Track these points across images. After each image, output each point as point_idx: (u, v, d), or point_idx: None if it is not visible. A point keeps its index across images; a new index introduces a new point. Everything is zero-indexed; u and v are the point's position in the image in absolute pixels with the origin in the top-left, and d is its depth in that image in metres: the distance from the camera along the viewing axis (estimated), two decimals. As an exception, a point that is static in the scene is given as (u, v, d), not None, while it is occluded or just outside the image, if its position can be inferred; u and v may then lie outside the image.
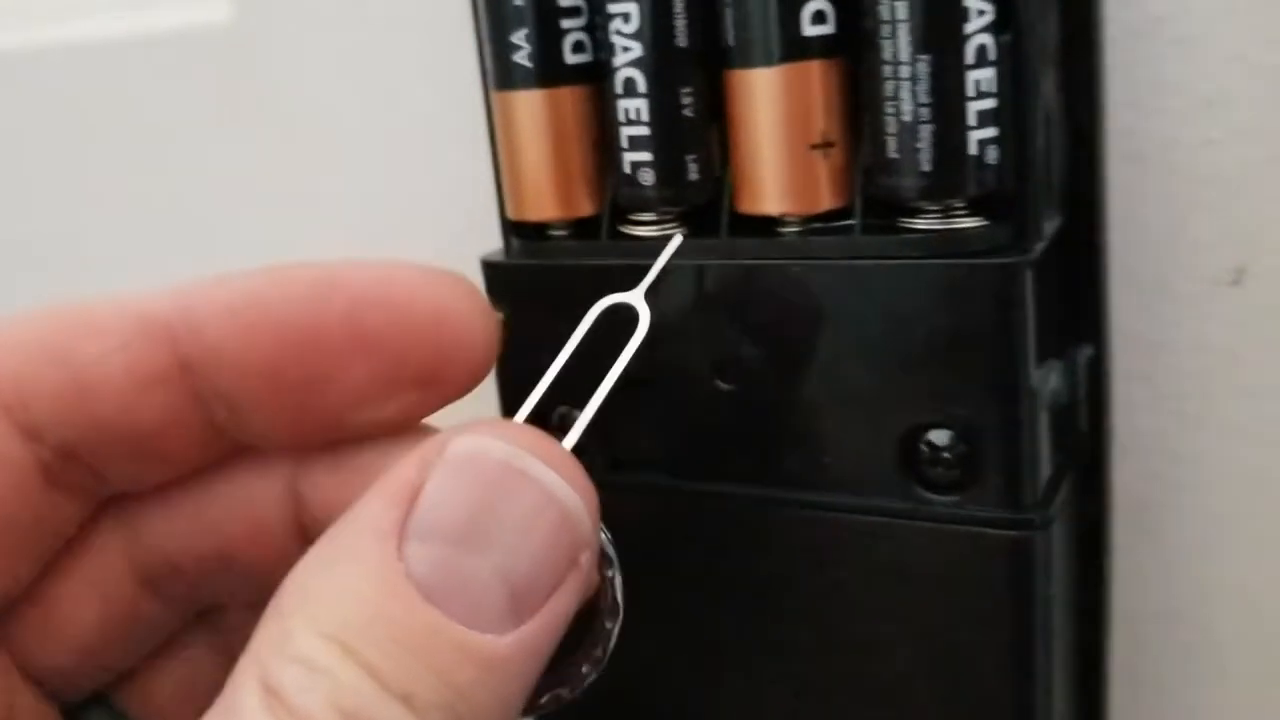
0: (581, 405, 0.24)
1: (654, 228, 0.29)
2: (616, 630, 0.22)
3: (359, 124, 0.39)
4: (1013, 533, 0.26)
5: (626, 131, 0.28)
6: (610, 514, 0.31)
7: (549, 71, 0.29)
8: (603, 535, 0.22)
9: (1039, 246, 0.26)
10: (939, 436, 0.27)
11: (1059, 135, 0.29)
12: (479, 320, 0.21)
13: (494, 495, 0.18)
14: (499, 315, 0.22)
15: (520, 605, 0.18)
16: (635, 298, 0.24)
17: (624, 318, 0.24)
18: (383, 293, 0.21)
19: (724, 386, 0.28)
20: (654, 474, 0.30)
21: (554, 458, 0.19)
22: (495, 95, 0.30)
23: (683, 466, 0.29)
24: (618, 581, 0.22)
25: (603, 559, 0.21)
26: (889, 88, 0.26)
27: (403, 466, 0.19)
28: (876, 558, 0.28)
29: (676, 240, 0.25)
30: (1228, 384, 0.29)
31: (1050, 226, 0.27)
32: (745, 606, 0.30)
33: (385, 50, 0.38)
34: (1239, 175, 0.28)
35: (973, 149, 0.26)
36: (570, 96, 0.29)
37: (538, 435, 0.20)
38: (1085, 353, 0.30)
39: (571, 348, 0.23)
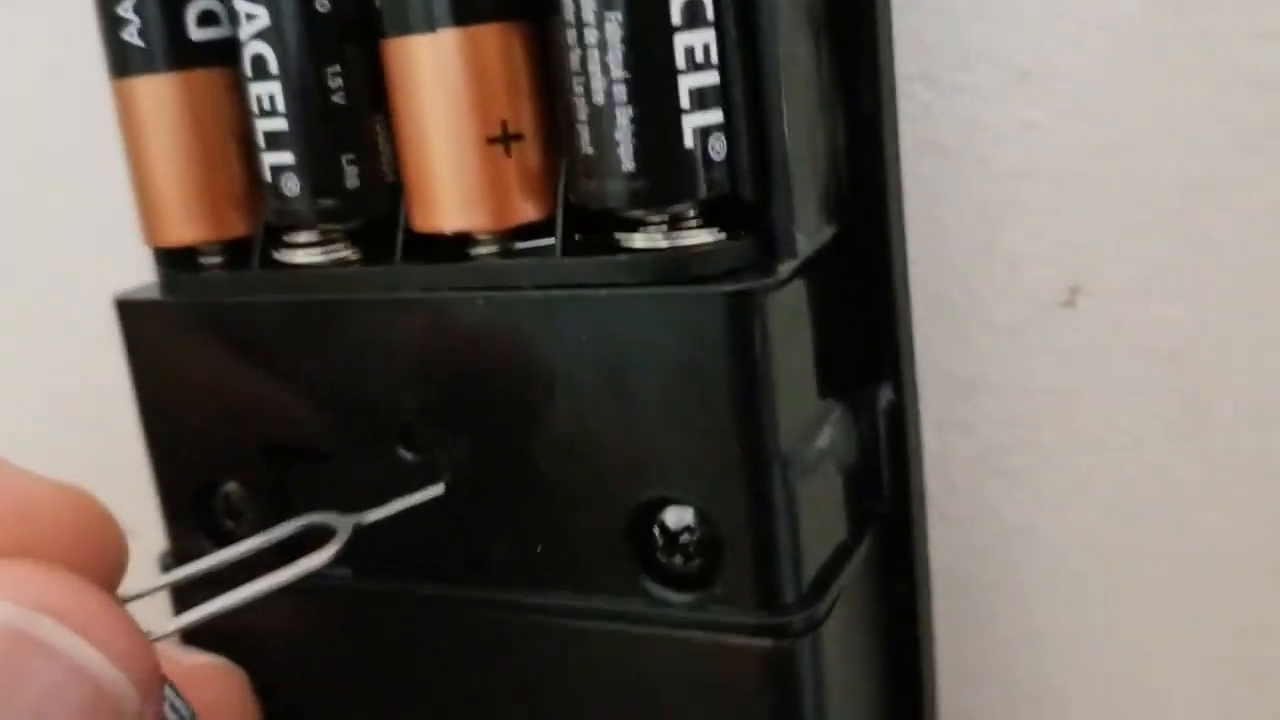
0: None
1: (317, 251, 0.22)
2: None
3: None
4: (766, 641, 0.20)
5: (262, 125, 0.21)
6: (278, 624, 0.24)
7: (171, 51, 0.22)
8: (170, 702, 0.17)
9: (788, 266, 0.20)
10: (675, 517, 0.21)
11: (831, 120, 0.22)
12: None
13: None
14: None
15: None
16: (343, 525, 0.20)
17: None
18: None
19: (409, 457, 0.22)
20: (332, 571, 0.23)
21: (86, 615, 0.15)
22: (112, 85, 0.23)
23: (366, 561, 0.23)
24: None
25: None
26: (574, 59, 0.19)
27: None
28: (606, 673, 0.22)
29: (434, 490, 0.22)
30: (1064, 432, 0.23)
31: (813, 240, 0.21)
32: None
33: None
34: (1068, 167, 0.22)
35: (690, 140, 0.19)
36: (203, 82, 0.23)
37: (64, 584, 0.15)
38: (884, 397, 0.24)
39: (255, 588, 0.19)
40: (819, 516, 0.21)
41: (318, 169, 0.21)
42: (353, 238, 0.23)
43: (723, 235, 0.20)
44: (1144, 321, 0.23)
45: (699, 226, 0.20)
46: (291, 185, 0.21)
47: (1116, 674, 0.25)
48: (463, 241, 0.22)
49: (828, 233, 0.22)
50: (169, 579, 0.19)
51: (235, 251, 0.24)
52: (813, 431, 0.21)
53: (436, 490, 0.22)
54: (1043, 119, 0.23)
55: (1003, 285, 0.23)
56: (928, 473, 0.25)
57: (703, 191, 0.20)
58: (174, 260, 0.24)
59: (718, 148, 0.19)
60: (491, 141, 0.20)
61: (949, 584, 0.25)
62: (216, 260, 0.24)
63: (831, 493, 0.22)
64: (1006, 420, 0.24)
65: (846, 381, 0.23)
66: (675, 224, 0.20)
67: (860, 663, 0.23)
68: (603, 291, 0.20)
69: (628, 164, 0.19)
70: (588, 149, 0.19)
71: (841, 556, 0.22)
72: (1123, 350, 0.23)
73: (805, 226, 0.21)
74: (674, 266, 0.20)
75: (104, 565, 0.17)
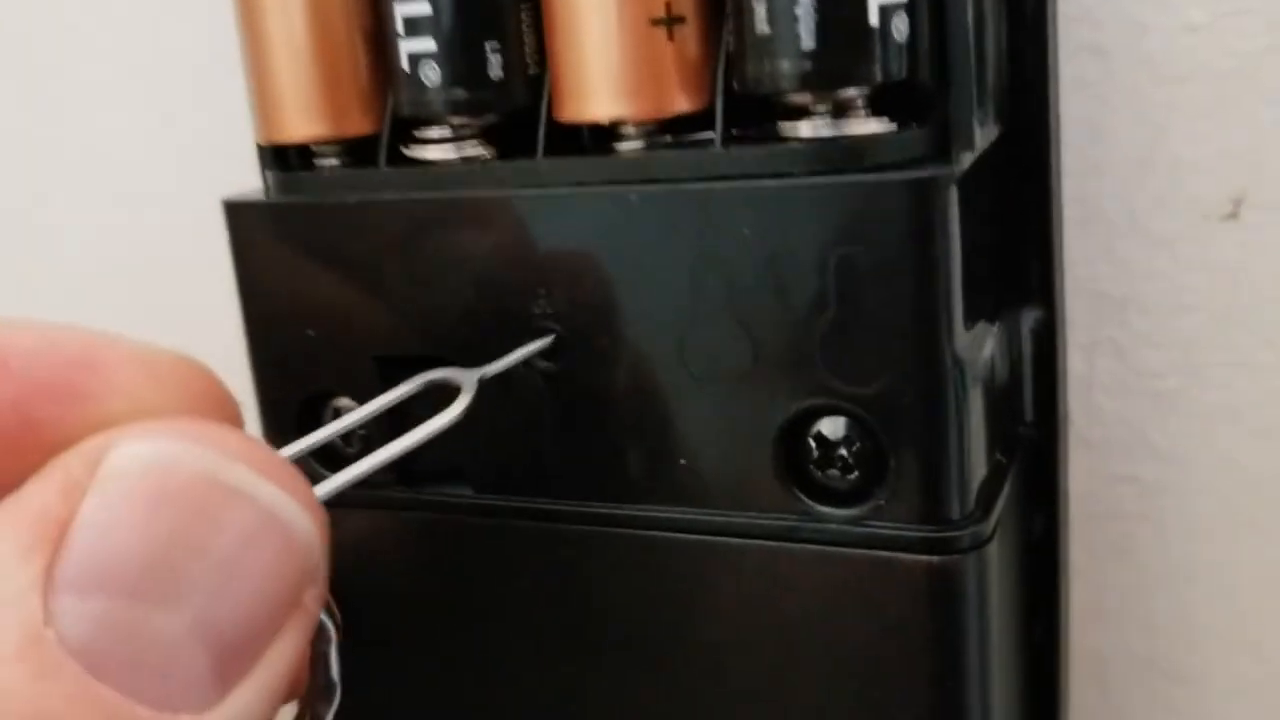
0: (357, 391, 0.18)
1: (450, 147, 0.21)
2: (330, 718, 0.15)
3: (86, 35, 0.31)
4: (934, 557, 0.19)
5: (401, 10, 0.20)
6: (393, 541, 0.23)
7: (299, -69, 0.21)
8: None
9: (968, 158, 0.19)
10: (831, 428, 0.19)
11: (994, 21, 0.21)
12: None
13: (188, 522, 0.14)
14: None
15: (227, 668, 0.14)
16: (468, 380, 0.19)
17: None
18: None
19: (543, 365, 0.21)
20: (452, 488, 0.22)
21: (269, 464, 0.14)
22: (233, -30, 0.22)
23: (491, 477, 0.22)
24: (334, 657, 0.16)
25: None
26: (752, -71, 0.18)
27: (35, 490, 0.14)
28: (753, 592, 0.21)
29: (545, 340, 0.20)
30: (1221, 353, 0.22)
31: (985, 137, 0.20)
32: (579, 661, 0.22)
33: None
34: (1233, 71, 0.21)
35: (874, 18, 0.18)
36: (331, -33, 0.21)
37: (240, 436, 0.15)
38: (1031, 316, 0.23)
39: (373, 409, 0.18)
40: (982, 430, 0.20)
41: (461, 57, 0.20)
42: (486, 134, 0.21)
43: (892, 125, 0.19)
44: (1311, 237, 0.22)
45: (868, 115, 0.19)
46: (431, 74, 0.20)
47: (1264, 610, 0.24)
48: (607, 137, 0.20)
49: (994, 131, 0.21)
50: (302, 445, 0.17)
51: (355, 152, 0.22)
52: (977, 341, 0.20)
53: (547, 340, 0.20)
54: (1206, 20, 0.22)
55: (1161, 196, 0.22)
56: (1071, 397, 0.23)
57: (880, 75, 0.18)
58: (285, 161, 0.23)
59: (900, 28, 0.18)
60: (655, 23, 0.19)
61: (1089, 514, 0.24)
62: (334, 161, 0.23)
63: (991, 409, 0.21)
64: (1159, 341, 0.23)
65: (998, 300, 0.22)
66: (842, 112, 0.19)
67: (1007, 595, 0.22)
68: (769, 183, 0.19)
69: (807, 41, 0.18)
70: (762, 27, 0.18)
71: (999, 476, 0.21)
72: (1286, 266, 0.22)
73: (980, 119, 0.19)
74: (847, 155, 0.19)
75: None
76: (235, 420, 0.16)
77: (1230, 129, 0.22)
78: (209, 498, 0.14)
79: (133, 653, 0.13)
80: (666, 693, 0.22)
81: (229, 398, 0.16)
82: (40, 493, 0.13)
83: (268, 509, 0.14)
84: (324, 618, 0.15)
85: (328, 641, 0.16)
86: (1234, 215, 0.22)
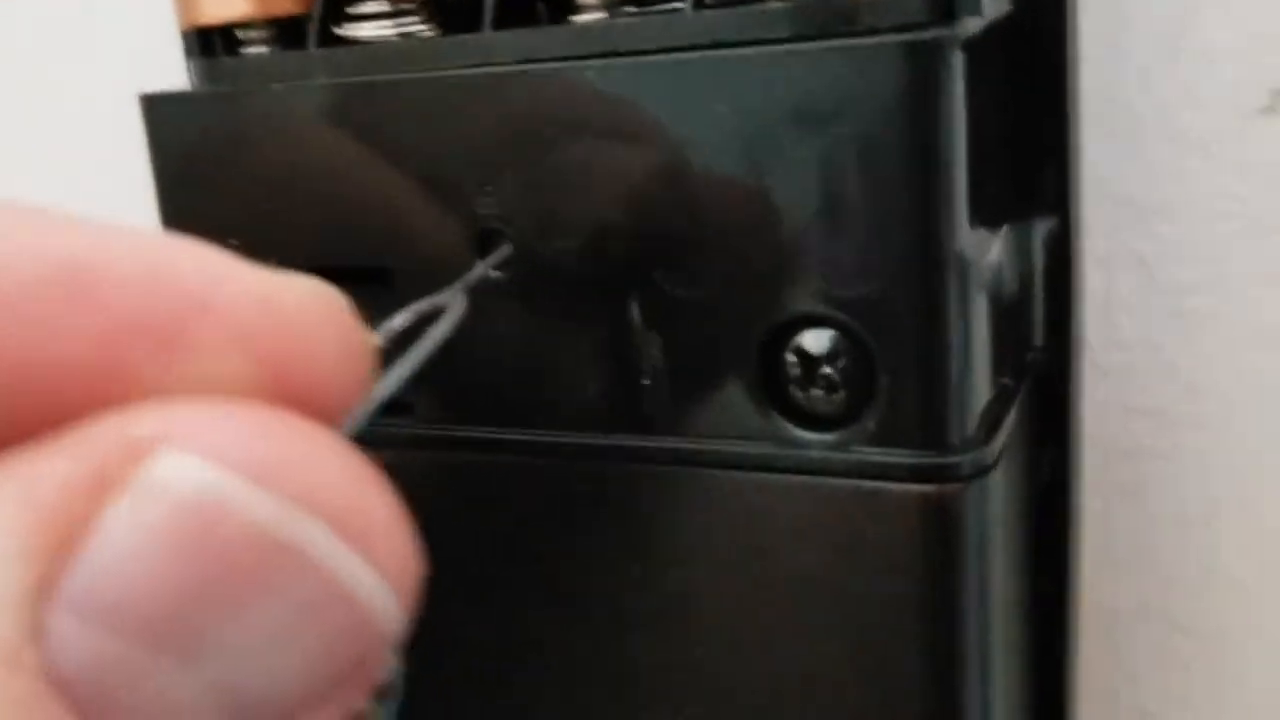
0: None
1: (388, 24, 0.19)
2: None
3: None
4: (929, 486, 0.17)
5: None
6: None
7: None
8: None
9: (975, 22, 0.16)
10: (815, 341, 0.17)
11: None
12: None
13: (231, 580, 0.11)
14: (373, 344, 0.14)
15: None
16: (452, 300, 0.17)
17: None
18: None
19: (493, 274, 0.18)
20: (401, 420, 0.20)
21: (366, 520, 0.11)
22: None
23: (441, 406, 0.19)
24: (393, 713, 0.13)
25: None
26: None
27: (61, 469, 0.11)
28: (729, 526, 0.18)
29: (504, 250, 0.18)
30: (1257, 267, 0.19)
31: (993, 6, 0.17)
32: (540, 603, 0.20)
33: None
34: (1275, -54, 0.18)
35: None
36: None
37: (345, 471, 0.11)
38: (1043, 227, 0.20)
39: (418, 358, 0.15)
40: (986, 346, 0.18)
41: (394, -87, 0.18)
42: (428, 9, 0.19)
43: (889, -12, 0.17)
44: (1360, 134, 0.19)
45: (860, -24, 0.17)
46: (360, -67, 0.18)
47: (1298, 559, 0.21)
48: (563, 6, 0.18)
49: (1005, 5, 0.18)
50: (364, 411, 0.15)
51: (285, 33, 0.20)
52: (987, 242, 0.18)
53: (506, 250, 0.18)
54: (1247, -111, 0.19)
55: (1191, 87, 0.20)
56: (1087, 317, 0.21)
57: (876, -78, 0.16)
58: (210, 47, 0.20)
59: None
60: None
61: (1104, 450, 0.22)
62: (261, 46, 0.20)
63: (997, 325, 0.19)
64: (1187, 253, 0.20)
65: (1005, 206, 0.19)
66: (831, -28, 0.17)
67: (1011, 538, 0.20)
68: (746, 51, 0.16)
69: (789, -122, 0.15)
70: None
71: (1005, 400, 0.19)
72: (1333, 170, 0.19)
73: (987, -15, 0.17)
74: (835, 17, 0.16)
75: (357, 384, 0.13)
76: (367, 364, 0.13)
77: (1270, 10, 0.19)
78: (263, 557, 0.11)
79: (131, 703, 0.11)
80: (637, 634, 0.20)
81: (362, 344, 0.13)
82: (62, 476, 0.11)
83: (340, 581, 0.11)
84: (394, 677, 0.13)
85: (390, 698, 0.13)
86: (1273, 109, 0.19)
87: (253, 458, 0.11)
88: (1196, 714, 0.23)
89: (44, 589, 0.10)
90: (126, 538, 0.11)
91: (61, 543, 0.10)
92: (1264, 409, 0.21)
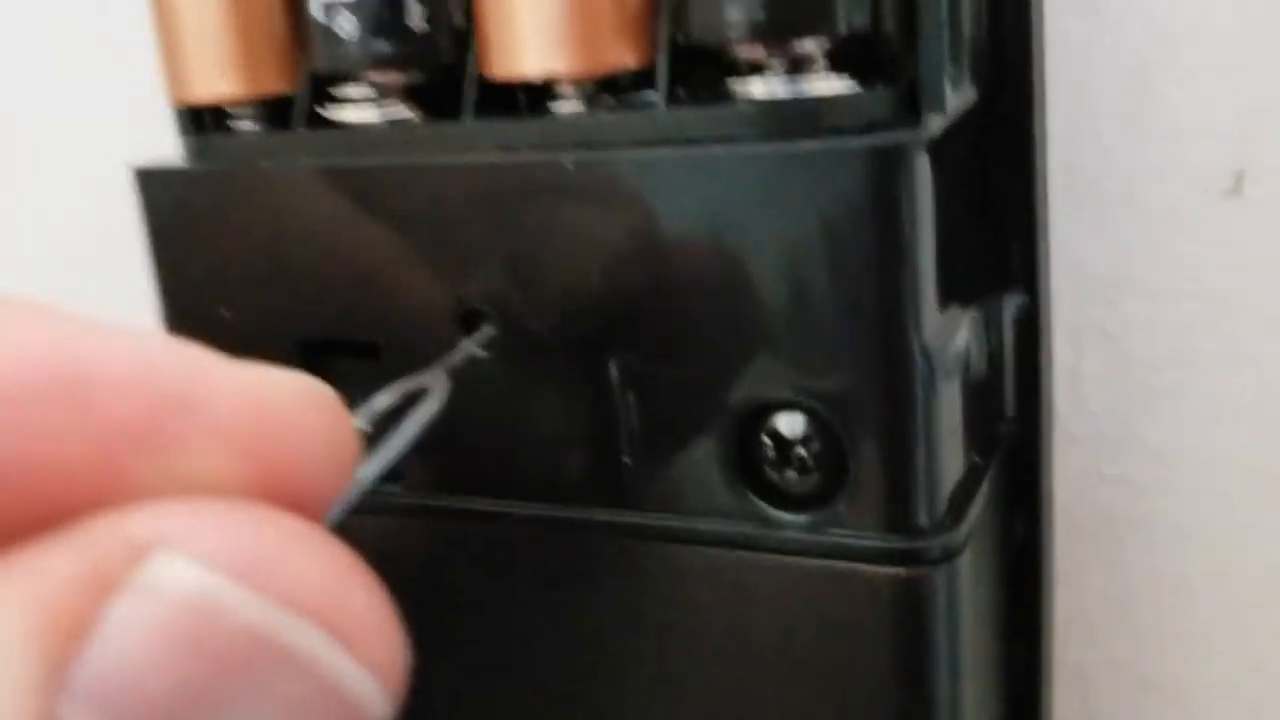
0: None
1: (372, 108, 0.19)
2: None
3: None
4: (899, 569, 0.17)
5: (312, -48, 0.18)
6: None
7: None
8: None
9: (938, 122, 0.16)
10: (789, 424, 0.17)
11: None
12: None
13: (228, 681, 0.11)
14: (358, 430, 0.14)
15: None
16: (435, 380, 0.18)
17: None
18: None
19: (478, 354, 0.19)
20: (388, 487, 0.20)
21: (353, 618, 0.12)
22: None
23: (426, 477, 0.20)
24: None
25: None
26: None
27: (65, 564, 0.11)
28: (705, 603, 0.19)
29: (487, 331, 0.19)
30: (1222, 343, 0.20)
31: (957, 99, 0.18)
32: (519, 671, 0.20)
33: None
34: (1238, 30, 0.19)
35: (833, -39, 0.16)
36: (240, -92, 0.19)
37: (332, 566, 0.12)
38: (1013, 302, 0.21)
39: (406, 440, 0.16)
40: (956, 429, 0.18)
41: (378, 5, 0.18)
42: (412, 95, 0.19)
43: (854, 84, 0.17)
44: (1322, 215, 0.20)
45: (827, 73, 0.17)
46: (347, 25, 0.18)
47: (1263, 622, 0.22)
48: (542, 96, 0.18)
49: (971, 94, 0.19)
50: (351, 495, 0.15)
51: (273, 113, 0.20)
52: (952, 328, 0.18)
53: (489, 331, 0.19)
54: (1211, -26, 0.20)
55: (1157, 167, 0.20)
56: (1057, 390, 0.21)
57: (842, 24, 0.16)
58: (201, 124, 0.21)
59: (864, -27, 0.16)
60: (590, -33, 0.17)
61: (1075, 516, 0.22)
62: (250, 124, 0.21)
63: (966, 405, 0.19)
64: (1154, 328, 0.21)
65: (974, 284, 0.20)
66: (798, 69, 0.17)
67: (982, 607, 0.20)
68: (717, 149, 0.17)
69: (758, -13, 0.16)
70: (708, -29, 0.16)
71: (974, 480, 0.19)
72: (1293, 247, 0.20)
73: (953, 78, 0.17)
74: (802, 117, 0.17)
75: (343, 474, 0.13)
76: (353, 457, 0.14)
77: (1233, 94, 0.19)
78: (257, 657, 0.11)
79: None
80: (615, 703, 0.20)
81: (348, 436, 0.14)
82: (65, 574, 0.11)
83: (329, 680, 0.12)
84: None
85: None
86: (1236, 190, 0.20)
87: (243, 559, 0.11)
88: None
89: (53, 680, 0.11)
90: (128, 635, 0.11)
91: (68, 637, 0.11)
92: (1227, 478, 0.21)
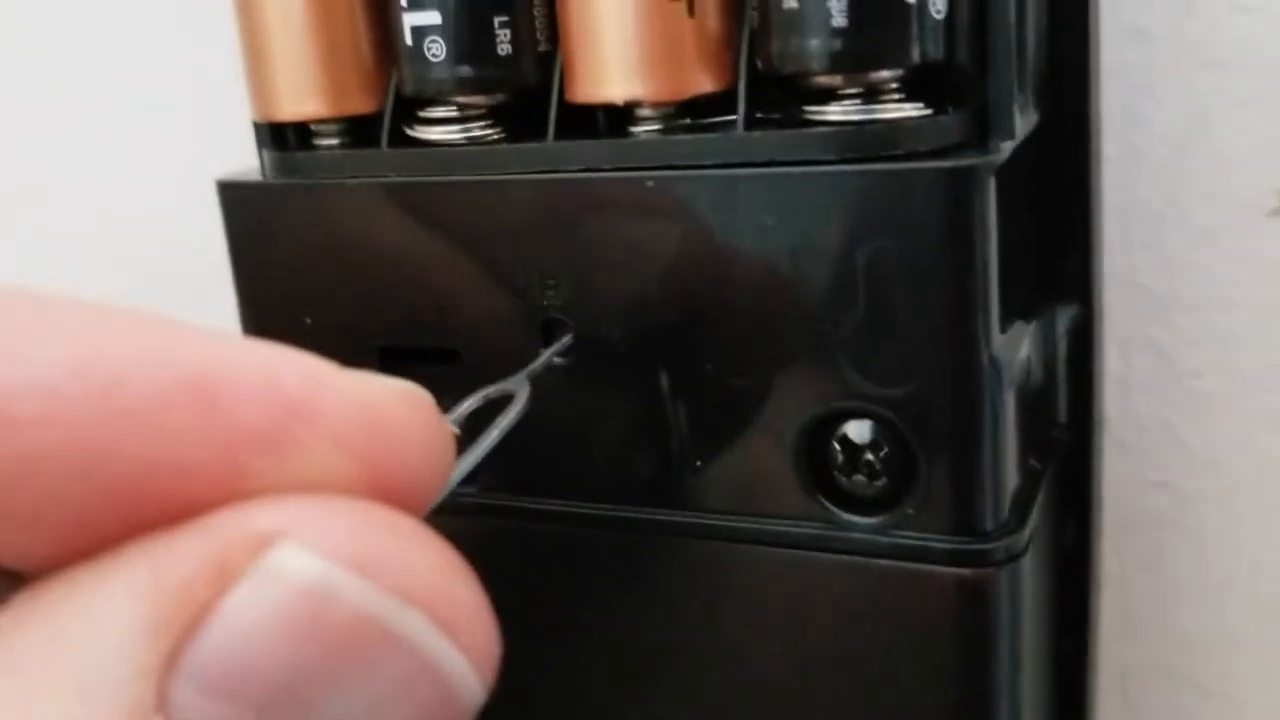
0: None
1: (456, 129, 0.20)
2: None
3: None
4: (965, 570, 0.18)
5: (405, -20, 0.19)
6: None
7: (297, -103, 0.20)
8: None
9: (1007, 146, 0.17)
10: (858, 431, 0.18)
11: (1034, 1, 0.20)
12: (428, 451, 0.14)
13: (338, 660, 0.12)
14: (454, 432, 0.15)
15: None
16: (519, 385, 0.18)
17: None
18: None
19: (557, 361, 0.19)
20: (466, 488, 0.21)
21: (454, 607, 0.13)
22: (226, -62, 0.20)
23: (500, 477, 0.20)
24: None
25: None
26: (781, -103, 0.17)
27: (185, 556, 0.12)
28: (775, 602, 0.20)
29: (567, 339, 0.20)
30: (1263, 353, 0.21)
31: (1023, 124, 0.18)
32: (593, 670, 0.21)
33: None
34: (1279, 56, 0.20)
35: (910, -7, 0.17)
36: (331, -64, 0.20)
37: (436, 560, 0.13)
38: (1067, 314, 0.21)
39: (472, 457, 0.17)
40: (1019, 435, 0.19)
41: (467, 31, 0.19)
42: (494, 115, 0.20)
43: (927, 110, 0.18)
44: (1362, 232, 0.20)
45: (900, 99, 0.18)
46: (436, 49, 0.19)
47: (1305, 625, 0.23)
48: (623, 119, 0.19)
49: (1034, 118, 0.19)
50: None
51: (356, 131, 0.21)
52: (1017, 340, 0.19)
53: (568, 339, 0.20)
54: (1257, 3, 0.20)
55: (1205, 188, 0.21)
56: (1107, 398, 0.22)
57: (917, 55, 0.17)
58: (283, 141, 0.22)
59: (938, 5, 0.17)
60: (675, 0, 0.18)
61: (1122, 520, 0.23)
62: (334, 141, 0.21)
63: (1026, 412, 0.20)
64: (1198, 339, 0.22)
65: (1033, 294, 0.21)
66: (873, 96, 0.18)
67: (1039, 604, 0.21)
68: (795, 170, 0.18)
69: (838, 18, 0.17)
70: (790, 1, 0.17)
71: (1033, 484, 0.20)
72: (1337, 264, 0.21)
73: (1021, 105, 0.18)
74: (878, 141, 0.18)
75: (441, 474, 0.14)
76: (450, 459, 0.15)
77: (1276, 119, 0.20)
78: (367, 640, 0.12)
79: None
80: (685, 704, 0.21)
81: (445, 439, 0.15)
82: (189, 563, 0.12)
83: (431, 663, 0.13)
84: None
85: None
86: (1278, 210, 0.20)
87: (358, 551, 0.12)
88: (1208, 766, 0.25)
89: (169, 663, 0.12)
90: (247, 619, 0.12)
91: (187, 621, 0.12)
92: (1269, 483, 0.22)
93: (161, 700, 0.11)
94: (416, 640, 0.12)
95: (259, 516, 0.12)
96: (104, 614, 0.12)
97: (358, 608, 0.12)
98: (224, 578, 0.12)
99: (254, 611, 0.12)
